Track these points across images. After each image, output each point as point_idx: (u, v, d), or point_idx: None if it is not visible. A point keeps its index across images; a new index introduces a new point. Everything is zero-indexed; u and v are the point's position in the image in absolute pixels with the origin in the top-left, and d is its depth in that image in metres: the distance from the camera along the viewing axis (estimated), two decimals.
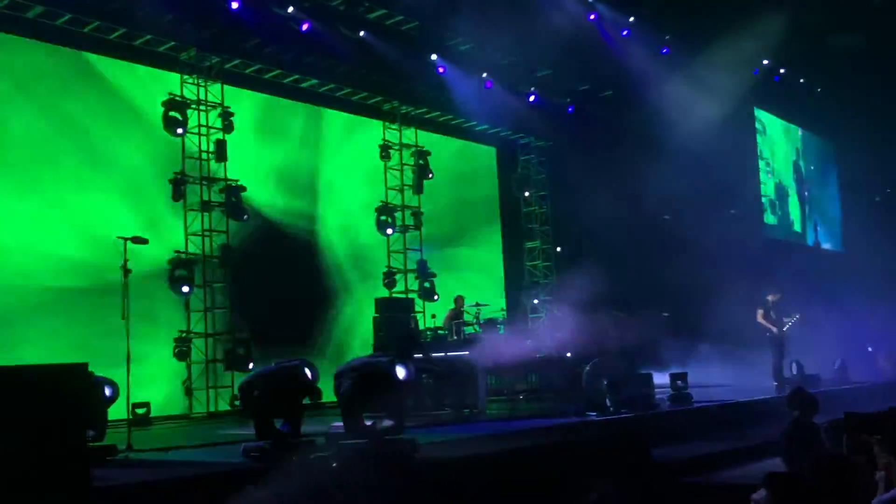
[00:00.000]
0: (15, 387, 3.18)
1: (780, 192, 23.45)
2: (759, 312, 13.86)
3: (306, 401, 7.18)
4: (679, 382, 11.89)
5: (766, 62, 20.02)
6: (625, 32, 17.41)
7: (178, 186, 13.05)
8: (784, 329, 13.87)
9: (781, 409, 7.47)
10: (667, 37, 18.13)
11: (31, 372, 3.49)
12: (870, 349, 17.18)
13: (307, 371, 6.94)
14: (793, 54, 19.60)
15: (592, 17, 16.97)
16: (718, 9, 17.40)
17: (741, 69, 18.79)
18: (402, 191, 16.83)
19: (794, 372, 14.22)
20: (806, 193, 24.65)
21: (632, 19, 17.44)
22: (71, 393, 3.33)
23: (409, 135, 17.09)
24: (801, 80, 21.78)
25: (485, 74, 16.98)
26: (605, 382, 10.37)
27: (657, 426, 9.96)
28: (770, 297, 13.92)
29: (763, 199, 22.31)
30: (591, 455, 7.46)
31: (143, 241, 9.30)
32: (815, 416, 7.01)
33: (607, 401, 10.27)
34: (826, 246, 25.11)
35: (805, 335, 14.83)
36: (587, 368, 10.71)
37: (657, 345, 14.25)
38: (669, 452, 8.76)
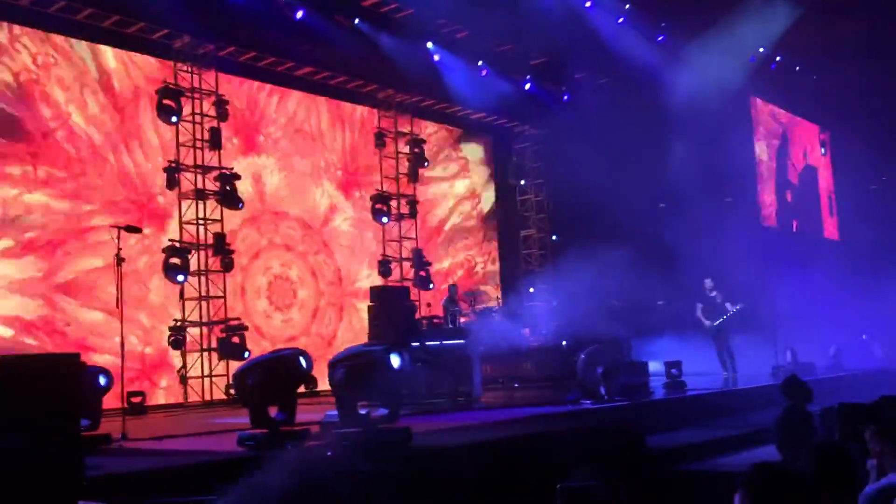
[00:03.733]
0: (6, 377, 3.17)
1: (776, 179, 23.46)
2: (699, 307, 13.97)
3: (301, 389, 7.18)
4: (674, 370, 11.93)
5: (762, 50, 19.97)
6: (620, 20, 17.33)
7: (173, 175, 13.01)
8: (716, 323, 13.89)
9: (776, 396, 7.48)
10: (662, 24, 18.06)
11: (22, 362, 3.49)
12: (864, 337, 17.24)
13: (302, 360, 6.95)
14: (788, 42, 19.54)
15: (588, 4, 16.89)
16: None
17: (737, 57, 18.74)
18: (397, 179, 16.81)
19: (789, 359, 14.26)
20: (799, 181, 24.66)
21: (627, 6, 17.37)
22: (63, 383, 3.32)
23: (405, 123, 17.06)
24: (797, 68, 21.74)
25: (480, 62, 16.92)
26: (600, 370, 10.39)
27: (652, 414, 9.98)
28: (706, 286, 14.03)
29: (759, 187, 22.31)
30: (586, 443, 7.48)
31: (137, 231, 9.27)
32: (810, 404, 7.03)
33: (602, 389, 10.29)
34: (820, 233, 25.14)
35: (800, 322, 14.88)
36: (582, 356, 10.72)
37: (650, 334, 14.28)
38: (664, 440, 8.79)
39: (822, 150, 26.25)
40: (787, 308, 14.99)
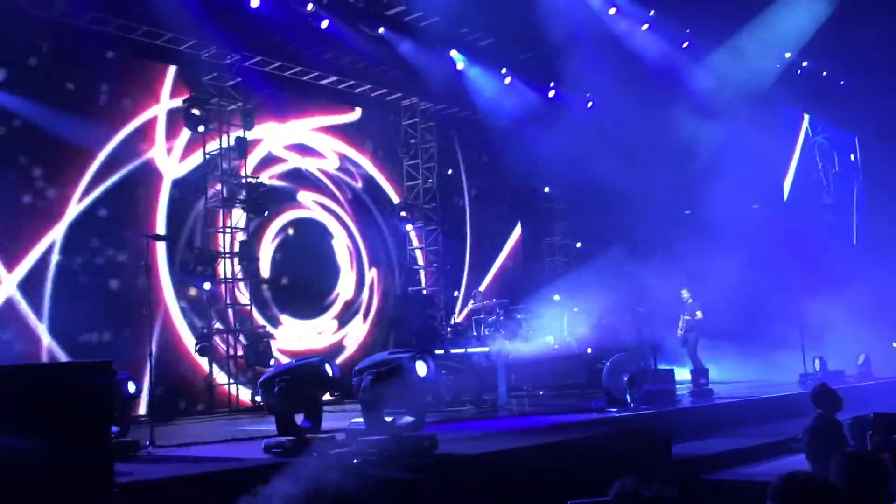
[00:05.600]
0: (40, 385, 3.21)
1: (804, 185, 23.23)
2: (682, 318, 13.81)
3: (327, 397, 7.20)
4: (701, 379, 11.83)
5: (788, 55, 19.81)
6: (645, 26, 17.28)
7: (204, 184, 13.15)
8: (678, 332, 13.72)
9: (805, 405, 7.41)
10: (687, 30, 17.98)
11: (55, 370, 3.54)
12: (894, 345, 17.00)
13: (328, 367, 6.97)
14: (815, 47, 19.38)
15: (612, 10, 16.86)
16: (739, 1, 17.25)
17: (764, 62, 18.60)
18: (421, 187, 16.85)
19: (817, 368, 14.09)
20: (830, 186, 24.39)
21: (652, 13, 17.32)
22: (95, 390, 3.36)
23: (429, 131, 17.11)
24: (824, 73, 21.54)
25: (504, 70, 16.94)
26: (626, 378, 10.33)
27: (678, 422, 9.90)
28: (683, 296, 13.87)
29: (787, 192, 22.12)
30: (612, 451, 7.44)
31: (164, 239, 9.37)
32: (839, 413, 6.95)
33: (627, 396, 10.23)
34: (850, 241, 24.84)
35: (827, 330, 14.71)
36: (607, 364, 10.66)
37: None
38: (690, 448, 8.72)
39: (852, 155, 25.96)
40: (815, 315, 14.82)
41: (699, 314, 13.69)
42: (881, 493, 3.36)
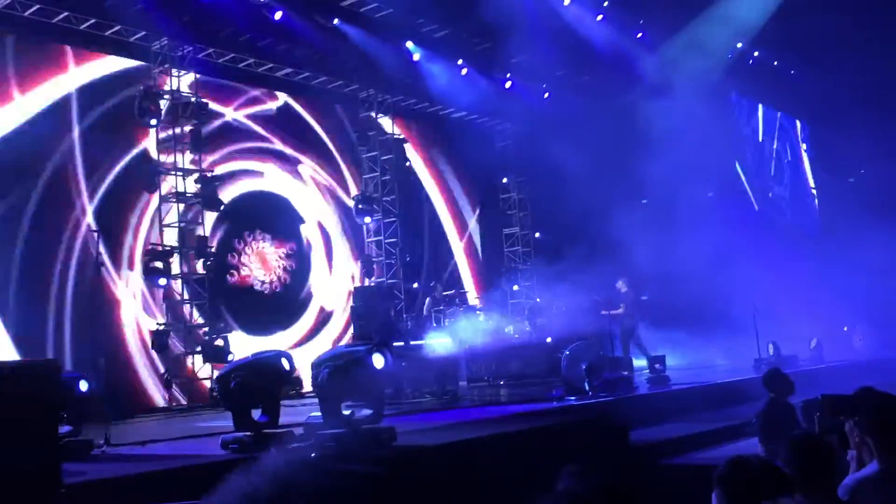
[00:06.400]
0: None
1: (757, 171, 23.61)
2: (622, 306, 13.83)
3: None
4: (657, 365, 11.97)
5: (739, 45, 20.08)
6: (599, 17, 17.37)
7: (153, 178, 12.94)
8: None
9: (759, 390, 7.53)
10: (641, 20, 18.12)
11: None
12: (845, 329, 17.36)
13: (284, 361, 6.93)
14: (767, 36, 19.66)
15: (567, 2, 16.92)
16: None
17: (717, 51, 18.83)
18: (379, 178, 16.78)
19: (771, 353, 14.34)
20: (780, 173, 24.83)
21: (606, 3, 17.41)
22: (41, 390, 3.29)
23: (386, 123, 17.04)
24: (775, 63, 21.88)
25: (460, 61, 16.93)
26: (584, 367, 10.41)
27: (635, 409, 10.01)
28: (619, 287, 13.91)
29: (741, 180, 22.44)
30: (570, 439, 7.50)
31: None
32: (791, 397, 7.08)
33: (586, 385, 10.32)
34: (800, 225, 25.31)
35: (781, 315, 14.96)
36: (566, 353, 10.74)
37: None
38: (648, 434, 8.82)
39: (804, 145, 26.44)
40: (769, 301, 15.07)
41: (622, 308, 13.63)
42: (827, 474, 3.44)
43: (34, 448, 3.18)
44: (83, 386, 7.38)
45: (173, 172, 13.26)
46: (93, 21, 12.54)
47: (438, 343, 11.99)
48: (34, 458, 3.14)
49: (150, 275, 12.51)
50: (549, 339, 14.04)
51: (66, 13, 12.25)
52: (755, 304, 14.16)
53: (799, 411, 6.80)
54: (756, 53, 20.95)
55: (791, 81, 22.50)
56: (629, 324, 13.79)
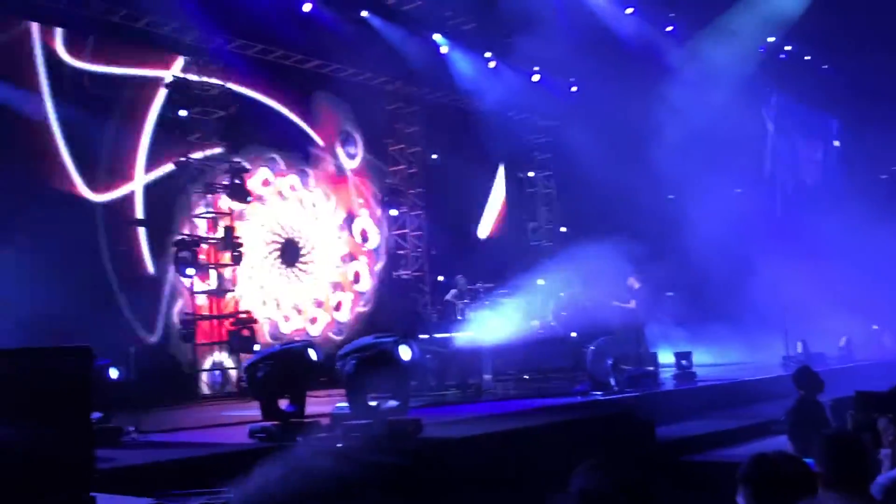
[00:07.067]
0: (14, 370, 3.18)
1: (786, 168, 23.35)
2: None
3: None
4: (684, 362, 11.90)
5: (771, 39, 19.83)
6: (630, 10, 17.23)
7: (183, 168, 13.04)
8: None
9: (787, 387, 7.47)
10: (671, 14, 17.96)
11: (30, 354, 3.50)
12: (875, 327, 17.15)
13: (311, 352, 6.97)
14: (799, 32, 19.40)
15: None
16: None
17: (748, 46, 18.61)
18: (406, 171, 16.79)
19: (799, 350, 14.21)
20: (812, 168, 24.54)
21: None
22: (73, 376, 3.33)
23: (410, 115, 17.04)
24: (807, 58, 21.59)
25: (488, 54, 16.87)
26: (610, 362, 10.37)
27: (661, 405, 9.96)
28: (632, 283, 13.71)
29: (770, 175, 22.21)
30: (596, 435, 7.48)
31: (144, 224, 9.27)
32: (821, 394, 7.02)
33: (612, 380, 10.28)
34: (829, 222, 24.97)
35: (809, 313, 14.81)
36: (591, 348, 10.71)
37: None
38: (674, 430, 8.78)
39: (834, 140, 26.09)
40: (797, 298, 14.92)
41: (632, 303, 13.51)
42: (861, 472, 3.39)
43: (69, 434, 3.22)
44: (113, 373, 7.48)
45: (203, 163, 13.35)
46: (124, 13, 12.64)
47: (462, 336, 11.99)
48: (67, 444, 3.18)
49: (179, 264, 12.62)
50: (573, 334, 13.98)
51: (101, 5, 12.35)
52: (783, 301, 14.02)
53: (828, 409, 6.74)
54: (787, 48, 20.67)
55: (823, 76, 22.18)
56: (639, 320, 13.66)
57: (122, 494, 4.07)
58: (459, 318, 13.02)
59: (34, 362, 3.24)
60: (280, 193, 14.98)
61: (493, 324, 12.39)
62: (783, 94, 23.01)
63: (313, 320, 15.13)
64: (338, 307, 15.57)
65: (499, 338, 12.31)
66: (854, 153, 24.87)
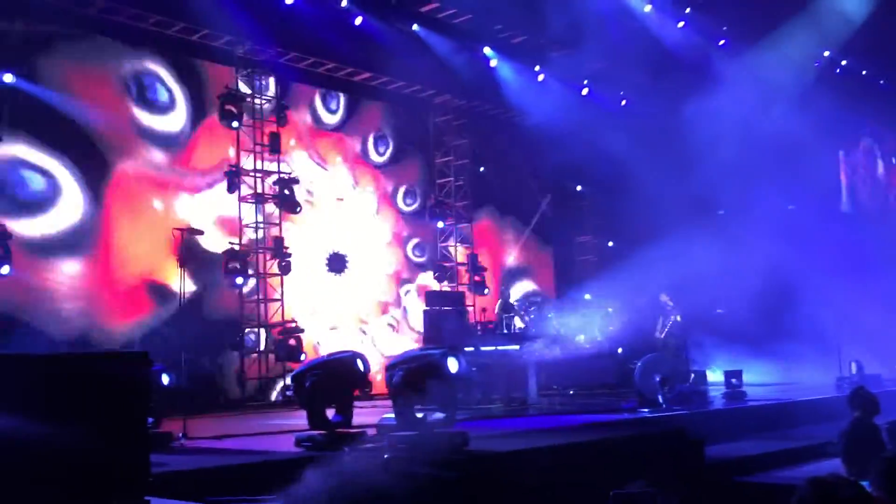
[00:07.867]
0: (76, 375, 3.25)
1: (846, 181, 22.92)
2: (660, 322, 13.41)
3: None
4: (734, 380, 11.69)
5: (827, 53, 19.48)
6: (681, 23, 17.08)
7: (233, 179, 13.24)
8: (658, 335, 13.24)
9: (840, 408, 7.29)
10: (724, 27, 17.75)
11: (91, 360, 3.58)
12: None
13: (359, 362, 7.00)
14: (854, 45, 19.03)
15: (648, 8, 16.68)
16: None
17: (803, 60, 18.29)
18: (453, 184, 16.84)
19: (854, 371, 13.86)
20: (872, 187, 24.01)
21: (688, 10, 17.11)
22: (132, 381, 3.40)
23: (460, 128, 17.08)
24: (864, 72, 21.15)
25: (537, 67, 16.86)
26: (658, 379, 10.24)
27: (711, 424, 9.79)
28: (665, 301, 13.44)
29: (825, 190, 21.75)
30: (644, 452, 7.37)
31: (199, 233, 9.43)
32: (876, 417, 6.84)
33: (660, 397, 10.14)
34: (886, 239, 24.38)
35: (865, 333, 14.45)
36: (639, 364, 10.58)
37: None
38: (723, 450, 8.62)
39: (893, 157, 25.49)
40: (852, 319, 14.57)
41: (678, 317, 13.31)
42: None
43: (125, 438, 3.28)
44: (165, 379, 7.60)
45: (252, 174, 13.55)
46: (181, 26, 12.92)
47: (508, 349, 11.95)
48: (125, 448, 3.24)
49: (228, 274, 12.79)
50: (620, 350, 13.84)
51: (157, 17, 12.64)
52: (838, 320, 13.71)
53: (884, 432, 6.56)
54: (844, 62, 20.28)
55: (880, 90, 21.70)
56: (679, 337, 13.48)
57: (173, 499, 4.13)
58: (506, 331, 12.98)
59: (94, 367, 3.32)
60: (328, 204, 15.13)
61: (539, 338, 12.32)
62: (852, 111, 22.46)
63: (360, 331, 15.21)
64: (384, 315, 15.65)
65: (545, 352, 12.24)
66: None
